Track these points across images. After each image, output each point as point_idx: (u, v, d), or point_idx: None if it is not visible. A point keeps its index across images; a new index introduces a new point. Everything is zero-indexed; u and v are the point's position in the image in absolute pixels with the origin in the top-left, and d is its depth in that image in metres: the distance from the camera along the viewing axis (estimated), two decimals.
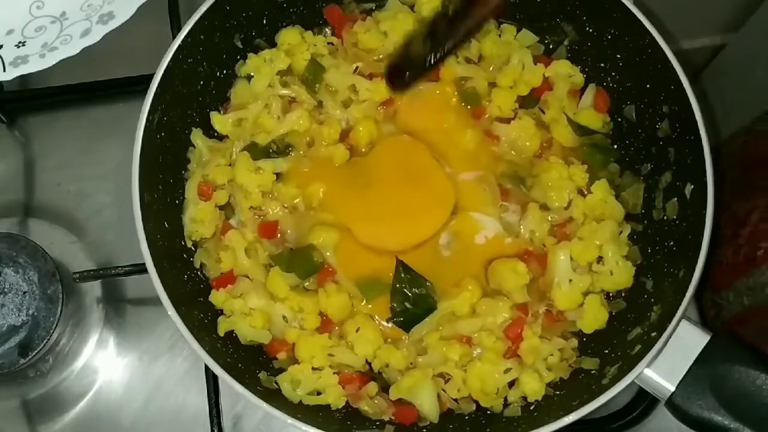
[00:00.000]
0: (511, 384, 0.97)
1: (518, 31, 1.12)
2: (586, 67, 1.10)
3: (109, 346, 1.14)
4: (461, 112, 1.09)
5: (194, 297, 1.00)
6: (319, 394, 0.95)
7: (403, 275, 1.00)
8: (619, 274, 0.99)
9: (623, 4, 1.00)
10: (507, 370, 0.96)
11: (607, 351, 0.97)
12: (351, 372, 0.98)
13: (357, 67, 1.09)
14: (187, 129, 1.06)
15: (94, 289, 1.15)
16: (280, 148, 1.07)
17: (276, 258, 1.02)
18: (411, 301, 0.99)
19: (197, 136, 1.06)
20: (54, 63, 0.94)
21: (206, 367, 1.04)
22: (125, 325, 1.15)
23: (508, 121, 1.08)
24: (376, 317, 1.00)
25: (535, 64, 1.10)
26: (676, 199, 0.98)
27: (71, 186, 1.20)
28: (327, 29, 1.14)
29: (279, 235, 1.04)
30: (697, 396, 0.86)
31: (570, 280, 0.99)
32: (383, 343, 0.98)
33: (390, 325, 1.00)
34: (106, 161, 1.20)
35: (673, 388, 0.88)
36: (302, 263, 1.00)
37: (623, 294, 1.02)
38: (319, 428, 0.88)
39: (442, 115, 1.09)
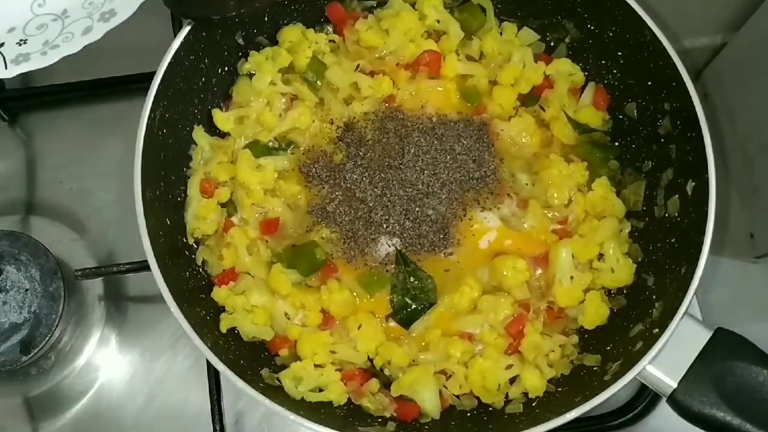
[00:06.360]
0: (513, 380, 0.97)
1: (519, 29, 1.12)
2: (587, 65, 1.11)
3: (110, 344, 1.14)
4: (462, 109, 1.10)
5: (196, 294, 1.00)
6: (321, 390, 0.95)
7: (403, 267, 1.00)
8: (620, 271, 1.00)
9: (625, 1, 1.00)
10: (508, 367, 0.96)
11: (608, 348, 0.97)
12: (353, 369, 0.98)
13: (359, 65, 1.09)
14: (189, 126, 1.06)
15: (95, 286, 1.15)
16: (282, 146, 1.07)
17: (278, 255, 1.02)
18: (411, 294, 1.00)
19: (199, 134, 1.06)
20: (55, 61, 0.94)
21: (208, 364, 1.05)
22: (127, 323, 1.15)
23: (508, 118, 1.09)
24: (378, 315, 1.01)
25: (536, 62, 1.10)
26: (677, 196, 0.99)
27: (73, 183, 1.20)
28: (329, 27, 1.14)
29: (280, 231, 1.04)
30: (699, 392, 0.87)
31: (571, 277, 1.00)
32: (385, 339, 0.98)
33: (392, 324, 1.01)
34: (107, 159, 1.20)
35: (675, 385, 0.88)
36: (305, 260, 1.00)
37: (624, 291, 1.02)
38: (321, 425, 0.88)
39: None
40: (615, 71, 1.08)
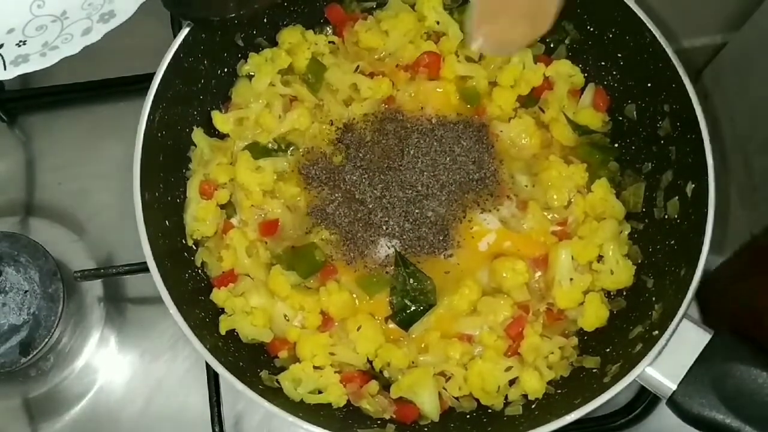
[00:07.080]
0: (512, 382, 0.97)
1: None
2: (587, 66, 1.10)
3: (110, 345, 1.14)
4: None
5: (195, 296, 1.00)
6: (320, 392, 0.95)
7: (403, 269, 1.00)
8: (620, 273, 1.00)
9: (624, 2, 1.00)
10: (508, 369, 0.96)
11: (608, 349, 0.97)
12: (352, 370, 0.98)
13: (358, 66, 1.09)
14: (188, 128, 1.06)
15: (95, 288, 1.15)
16: (281, 147, 1.07)
17: (278, 256, 1.02)
18: (410, 295, 1.00)
19: (198, 135, 1.06)
20: (55, 62, 0.94)
21: (207, 366, 1.04)
22: (126, 324, 1.15)
23: (508, 120, 1.08)
24: (377, 317, 1.01)
25: (536, 63, 1.10)
26: (677, 197, 0.98)
27: (72, 185, 1.20)
28: (328, 28, 1.14)
29: (280, 233, 1.04)
30: (699, 394, 0.87)
31: (571, 279, 1.00)
32: (384, 341, 0.98)
33: (392, 326, 1.00)
34: (107, 160, 1.20)
35: (674, 387, 0.88)
36: (304, 261, 1.00)
37: (624, 293, 1.02)
38: (320, 427, 0.88)
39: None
40: (615, 73, 1.07)
